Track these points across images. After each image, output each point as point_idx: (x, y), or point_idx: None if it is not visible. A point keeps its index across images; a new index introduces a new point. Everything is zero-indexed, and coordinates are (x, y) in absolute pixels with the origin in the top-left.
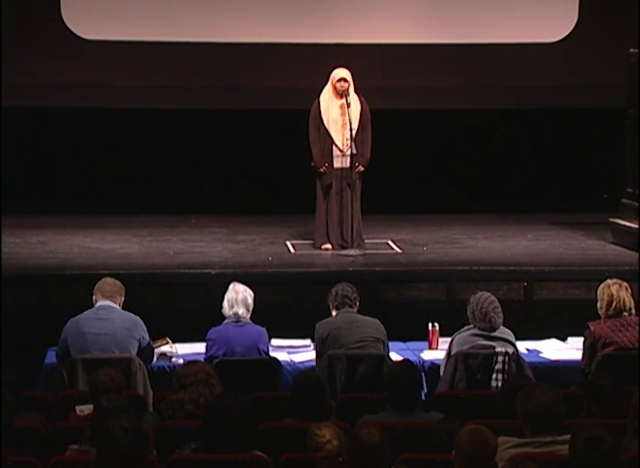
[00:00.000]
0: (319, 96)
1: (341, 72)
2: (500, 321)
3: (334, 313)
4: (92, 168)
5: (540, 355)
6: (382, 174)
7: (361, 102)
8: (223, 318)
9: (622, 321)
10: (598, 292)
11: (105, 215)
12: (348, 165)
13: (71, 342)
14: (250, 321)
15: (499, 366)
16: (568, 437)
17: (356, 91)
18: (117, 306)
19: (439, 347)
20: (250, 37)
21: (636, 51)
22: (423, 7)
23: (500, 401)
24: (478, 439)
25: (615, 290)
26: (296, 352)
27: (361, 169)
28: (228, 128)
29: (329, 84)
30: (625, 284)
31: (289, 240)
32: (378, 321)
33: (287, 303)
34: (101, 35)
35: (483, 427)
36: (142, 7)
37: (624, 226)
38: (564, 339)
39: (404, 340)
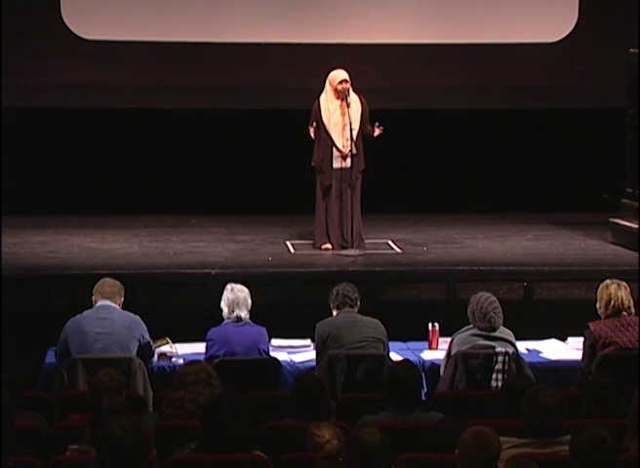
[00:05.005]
0: (318, 97)
1: (341, 74)
2: (500, 321)
3: (334, 313)
4: (92, 168)
5: (540, 355)
6: (382, 174)
7: (361, 102)
8: (223, 318)
9: (622, 321)
10: (597, 293)
11: (105, 215)
12: (349, 165)
13: (72, 341)
14: (250, 321)
15: (499, 366)
16: (568, 437)
17: (355, 90)
18: (117, 306)
19: (439, 347)
20: (250, 37)
21: (636, 51)
22: (423, 7)
23: (501, 401)
24: (481, 441)
25: (613, 289)
26: (296, 352)
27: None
28: (228, 128)
29: (327, 86)
30: (624, 283)
31: (289, 240)
32: (378, 321)
33: (287, 303)
34: (101, 35)
35: (487, 429)
36: (142, 7)
37: (624, 226)
38: (564, 339)
39: (404, 340)
